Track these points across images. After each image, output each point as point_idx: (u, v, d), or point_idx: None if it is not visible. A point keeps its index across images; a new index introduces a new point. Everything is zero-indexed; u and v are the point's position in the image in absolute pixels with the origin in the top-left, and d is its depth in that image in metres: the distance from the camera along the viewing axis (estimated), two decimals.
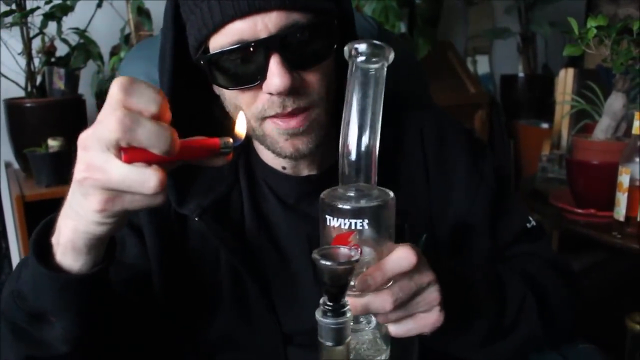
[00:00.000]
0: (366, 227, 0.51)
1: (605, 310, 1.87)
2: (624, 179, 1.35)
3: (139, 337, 0.73)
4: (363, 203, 0.52)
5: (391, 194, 0.54)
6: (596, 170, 1.44)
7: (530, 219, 0.84)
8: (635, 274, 2.14)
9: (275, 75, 0.63)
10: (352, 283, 0.53)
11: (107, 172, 0.46)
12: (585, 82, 1.79)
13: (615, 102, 1.43)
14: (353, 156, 0.53)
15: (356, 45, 0.54)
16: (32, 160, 1.65)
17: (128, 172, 0.46)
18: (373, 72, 0.54)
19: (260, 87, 0.66)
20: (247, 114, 0.68)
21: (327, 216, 0.52)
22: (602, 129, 1.45)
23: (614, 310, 1.75)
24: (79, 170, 0.48)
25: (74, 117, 1.78)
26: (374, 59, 0.54)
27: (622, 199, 1.36)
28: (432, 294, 0.60)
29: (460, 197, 0.80)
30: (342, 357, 0.49)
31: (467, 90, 2.43)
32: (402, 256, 0.55)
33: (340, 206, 0.52)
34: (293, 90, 0.65)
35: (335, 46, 0.68)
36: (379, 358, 0.56)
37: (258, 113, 0.67)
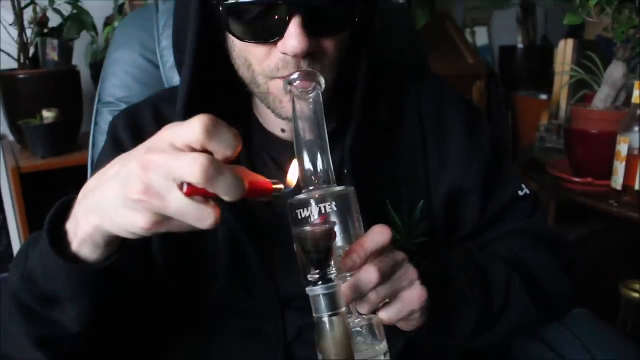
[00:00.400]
0: (335, 209, 0.54)
1: (600, 279, 1.89)
2: (623, 148, 1.34)
3: (141, 308, 0.73)
4: (328, 189, 0.55)
5: (351, 188, 0.57)
6: (595, 139, 1.44)
7: (524, 186, 0.84)
8: (631, 244, 2.15)
9: (294, 37, 0.61)
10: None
11: (166, 200, 0.45)
12: (584, 53, 1.77)
13: (616, 71, 1.42)
14: (310, 167, 0.56)
15: (292, 77, 0.60)
16: (27, 132, 1.64)
17: (188, 207, 0.45)
18: (311, 99, 0.60)
19: (275, 45, 0.64)
20: (256, 70, 0.67)
21: (297, 211, 0.55)
22: (602, 98, 1.44)
23: (609, 279, 1.77)
24: (135, 190, 0.45)
25: (68, 88, 1.77)
26: (309, 88, 0.60)
27: (620, 168, 1.36)
28: (409, 270, 0.61)
29: (456, 164, 0.80)
30: (341, 329, 0.49)
31: (466, 61, 2.41)
32: (377, 231, 0.57)
33: (307, 196, 0.54)
34: (308, 54, 0.64)
35: (357, 19, 0.67)
36: (379, 358, 0.57)
37: (270, 72, 0.66)
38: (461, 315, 0.70)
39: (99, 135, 1.03)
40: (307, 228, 0.48)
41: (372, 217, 0.72)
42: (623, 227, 2.21)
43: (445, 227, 0.81)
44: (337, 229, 0.55)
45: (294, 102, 0.59)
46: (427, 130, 0.81)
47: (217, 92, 0.75)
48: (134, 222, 0.47)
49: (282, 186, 0.50)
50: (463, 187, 0.80)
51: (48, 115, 1.62)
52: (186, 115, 0.71)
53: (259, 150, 0.78)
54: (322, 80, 0.61)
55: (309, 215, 0.54)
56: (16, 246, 2.01)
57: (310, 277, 0.49)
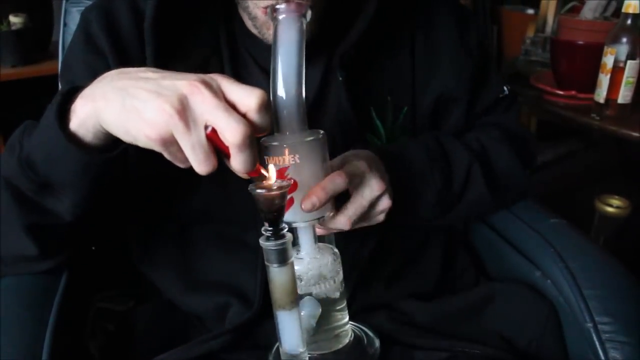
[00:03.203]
0: (299, 161, 0.55)
1: (577, 195, 1.94)
2: (609, 60, 1.33)
3: (125, 210, 0.74)
4: (294, 139, 0.56)
5: (321, 132, 0.58)
6: (581, 50, 1.42)
7: (505, 88, 0.86)
8: (608, 162, 2.19)
9: None
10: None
11: (188, 128, 0.46)
12: None
13: None
14: (283, 104, 0.56)
15: (277, 6, 0.57)
16: None
17: (200, 146, 0.47)
18: (296, 26, 0.57)
19: None
20: None
21: (265, 157, 0.56)
22: (591, 7, 1.41)
23: (585, 195, 1.81)
24: (170, 102, 0.46)
25: None
26: (293, 18, 0.57)
27: (604, 80, 1.35)
28: (384, 202, 0.63)
29: (446, 71, 0.79)
30: (288, 276, 0.53)
31: None
32: (336, 176, 0.57)
33: (274, 144, 0.55)
34: None
35: None
36: (335, 278, 0.61)
37: None
38: (420, 194, 0.73)
39: (69, 37, 0.97)
40: (259, 190, 0.49)
41: (358, 124, 0.72)
42: (601, 146, 2.24)
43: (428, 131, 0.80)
44: (302, 176, 0.56)
45: (274, 31, 0.57)
46: (417, 37, 0.79)
47: None
48: (143, 128, 0.47)
49: (266, 175, 0.52)
50: (451, 95, 0.80)
51: (15, 20, 1.54)
52: (159, 5, 0.67)
53: (242, 50, 0.75)
54: (309, 13, 0.59)
55: (275, 163, 0.56)
56: None
57: (263, 231, 0.52)
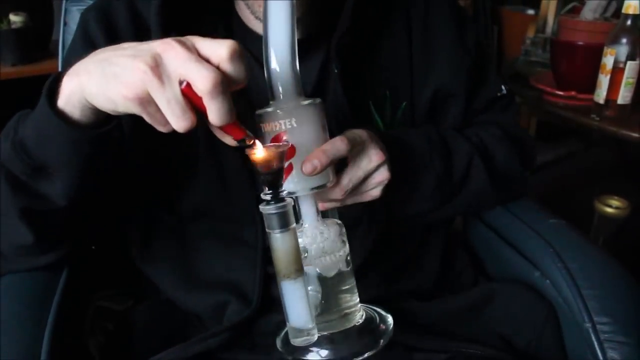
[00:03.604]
0: (295, 125, 0.55)
1: (576, 195, 1.94)
2: (608, 60, 1.33)
3: (122, 203, 0.73)
4: (288, 104, 0.56)
5: (318, 99, 0.58)
6: (581, 51, 1.42)
7: (503, 87, 0.86)
8: (607, 162, 2.19)
9: None
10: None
11: (163, 84, 0.47)
12: None
13: None
14: (277, 72, 0.56)
15: None
16: None
17: (176, 100, 0.48)
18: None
19: None
20: None
21: (261, 124, 0.56)
22: (591, 8, 1.41)
23: (585, 195, 1.81)
24: (144, 61, 0.47)
25: None
26: None
27: (604, 81, 1.35)
28: (382, 174, 0.63)
29: (443, 65, 0.80)
30: (291, 242, 0.52)
31: None
32: (337, 140, 0.57)
33: (269, 110, 0.56)
34: None
35: None
36: (339, 253, 0.59)
37: None
38: (420, 180, 0.73)
39: (69, 36, 0.97)
40: (256, 150, 0.50)
41: (356, 119, 0.72)
42: (601, 147, 2.24)
43: None
44: (300, 141, 0.56)
45: (265, 2, 0.57)
46: (415, 33, 0.80)
47: None
48: (120, 90, 0.48)
49: (251, 141, 0.52)
50: (449, 91, 0.80)
51: (15, 19, 1.54)
52: (162, 9, 0.68)
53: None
54: None
55: (272, 129, 0.56)
56: None
57: (263, 196, 0.51)
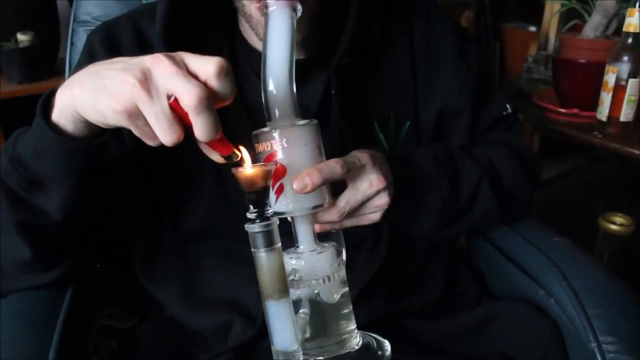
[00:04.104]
0: (286, 145, 0.55)
1: (580, 212, 1.93)
2: (610, 78, 1.33)
3: (123, 223, 0.74)
4: (282, 124, 0.56)
5: (314, 121, 0.58)
6: (583, 69, 1.43)
7: (508, 106, 0.87)
8: (611, 179, 2.19)
9: None
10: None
11: (152, 98, 0.48)
12: None
13: None
14: (273, 92, 0.57)
15: (267, 2, 0.59)
16: (2, 56, 1.58)
17: (164, 114, 0.48)
18: (286, 17, 0.58)
19: None
20: None
21: (256, 144, 0.57)
22: (592, 26, 1.42)
23: (588, 212, 1.81)
24: (134, 75, 0.48)
25: (44, 10, 1.69)
26: (283, 11, 0.58)
27: (606, 98, 1.36)
28: (382, 199, 0.63)
29: (447, 84, 0.80)
30: (275, 262, 0.52)
31: None
32: (332, 161, 0.58)
33: (264, 130, 0.56)
34: None
35: None
36: (334, 276, 0.59)
37: None
38: (426, 201, 0.72)
39: (76, 56, 0.99)
40: (241, 169, 0.50)
41: (360, 138, 0.72)
42: (604, 163, 2.24)
43: None
44: (293, 162, 0.56)
45: (265, 22, 0.58)
46: (417, 52, 0.80)
47: (200, 7, 0.73)
48: (109, 103, 0.49)
49: (239, 154, 0.52)
50: (453, 108, 0.81)
51: (23, 38, 1.56)
52: (165, 31, 0.68)
53: (244, 65, 0.76)
54: (299, 7, 0.59)
55: (263, 149, 0.56)
56: None
57: (248, 215, 0.51)
